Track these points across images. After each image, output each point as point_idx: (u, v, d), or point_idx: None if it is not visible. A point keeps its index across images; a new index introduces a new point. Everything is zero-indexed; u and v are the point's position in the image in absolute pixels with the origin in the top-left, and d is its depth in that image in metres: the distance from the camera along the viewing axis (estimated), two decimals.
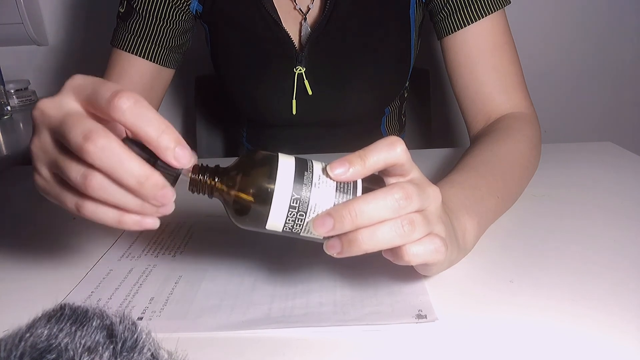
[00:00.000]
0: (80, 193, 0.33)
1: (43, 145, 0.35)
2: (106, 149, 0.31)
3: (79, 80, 0.34)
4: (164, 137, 0.32)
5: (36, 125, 0.35)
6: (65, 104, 0.34)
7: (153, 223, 0.35)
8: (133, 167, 0.31)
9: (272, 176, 0.34)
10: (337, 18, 0.71)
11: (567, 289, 0.41)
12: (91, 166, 0.31)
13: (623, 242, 0.48)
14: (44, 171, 0.35)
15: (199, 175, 0.35)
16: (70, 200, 0.34)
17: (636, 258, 0.45)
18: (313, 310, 0.40)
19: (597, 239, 0.49)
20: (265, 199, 0.34)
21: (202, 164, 0.36)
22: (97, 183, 0.32)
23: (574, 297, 0.40)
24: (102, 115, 0.33)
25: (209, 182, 0.35)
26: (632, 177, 0.64)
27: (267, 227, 0.35)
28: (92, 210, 0.34)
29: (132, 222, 0.34)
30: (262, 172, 0.34)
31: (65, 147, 0.33)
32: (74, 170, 0.32)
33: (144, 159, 0.32)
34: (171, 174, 0.34)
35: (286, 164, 0.35)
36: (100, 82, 0.33)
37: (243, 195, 0.35)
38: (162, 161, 0.33)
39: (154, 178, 0.32)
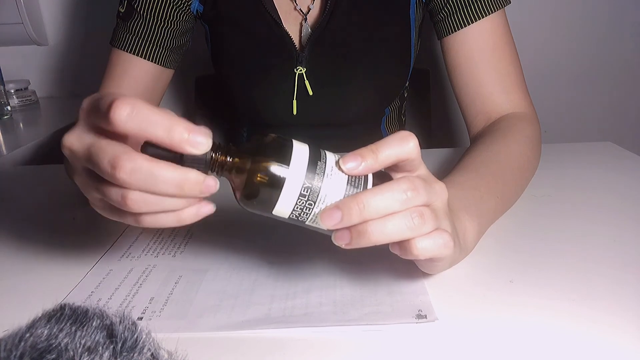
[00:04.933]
0: None
1: (84, 179, 0.36)
2: (136, 170, 0.31)
3: (85, 104, 0.34)
4: (173, 133, 0.31)
5: (71, 161, 0.36)
6: (83, 136, 0.34)
7: (209, 208, 0.35)
8: (167, 176, 0.31)
9: (286, 162, 0.33)
10: (338, 18, 0.71)
11: (566, 289, 0.41)
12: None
13: (623, 241, 0.48)
14: (95, 197, 0.36)
15: (210, 153, 0.34)
16: (128, 217, 0.35)
17: (636, 258, 0.45)
18: (313, 310, 0.39)
19: (597, 239, 0.49)
20: (276, 184, 0.33)
21: (214, 142, 0.35)
22: (136, 200, 0.32)
23: (573, 297, 0.40)
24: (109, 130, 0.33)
25: (219, 160, 0.34)
26: (632, 177, 0.64)
27: (273, 212, 0.35)
28: (150, 221, 0.34)
29: (192, 216, 0.34)
30: (276, 156, 0.34)
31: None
32: (114, 194, 0.33)
33: (171, 157, 0.32)
34: (201, 162, 0.33)
35: (301, 150, 0.34)
36: (97, 98, 0.33)
37: (254, 178, 0.34)
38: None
39: (192, 177, 0.32)
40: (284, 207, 0.34)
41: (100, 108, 0.32)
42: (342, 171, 0.34)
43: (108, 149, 0.32)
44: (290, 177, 0.33)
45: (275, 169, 0.33)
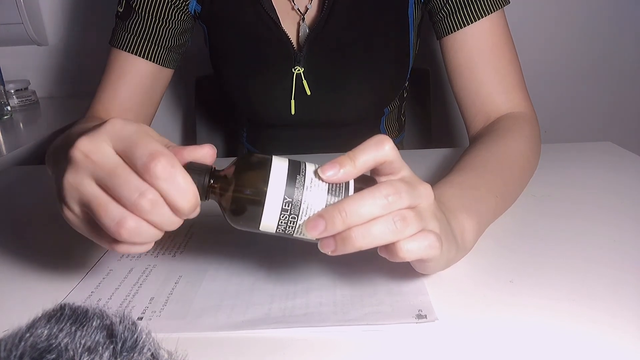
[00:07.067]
0: None
1: (79, 184, 0.34)
2: (158, 203, 0.33)
3: (118, 127, 0.34)
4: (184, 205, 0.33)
5: (76, 164, 0.34)
6: (109, 154, 0.34)
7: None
8: (172, 219, 0.34)
9: (264, 179, 0.35)
10: (335, 18, 0.71)
11: (566, 289, 0.41)
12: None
13: (623, 241, 0.48)
14: (76, 208, 0.35)
15: (205, 179, 0.36)
16: (105, 239, 0.35)
17: (636, 258, 0.45)
18: (313, 310, 0.40)
19: (597, 239, 0.49)
20: (258, 201, 0.35)
21: (204, 167, 0.36)
22: (131, 228, 0.33)
23: (573, 297, 0.40)
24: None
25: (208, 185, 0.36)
26: (632, 177, 0.64)
27: (260, 228, 0.36)
28: (125, 249, 0.35)
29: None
30: (255, 175, 0.35)
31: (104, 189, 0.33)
32: (109, 217, 0.33)
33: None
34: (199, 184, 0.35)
35: (279, 167, 0.35)
36: (139, 138, 0.33)
37: (237, 198, 0.35)
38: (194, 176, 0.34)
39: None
40: (268, 223, 0.35)
41: (138, 153, 0.32)
42: (322, 180, 0.35)
43: (138, 182, 0.32)
44: (269, 194, 0.34)
45: (255, 187, 0.35)
